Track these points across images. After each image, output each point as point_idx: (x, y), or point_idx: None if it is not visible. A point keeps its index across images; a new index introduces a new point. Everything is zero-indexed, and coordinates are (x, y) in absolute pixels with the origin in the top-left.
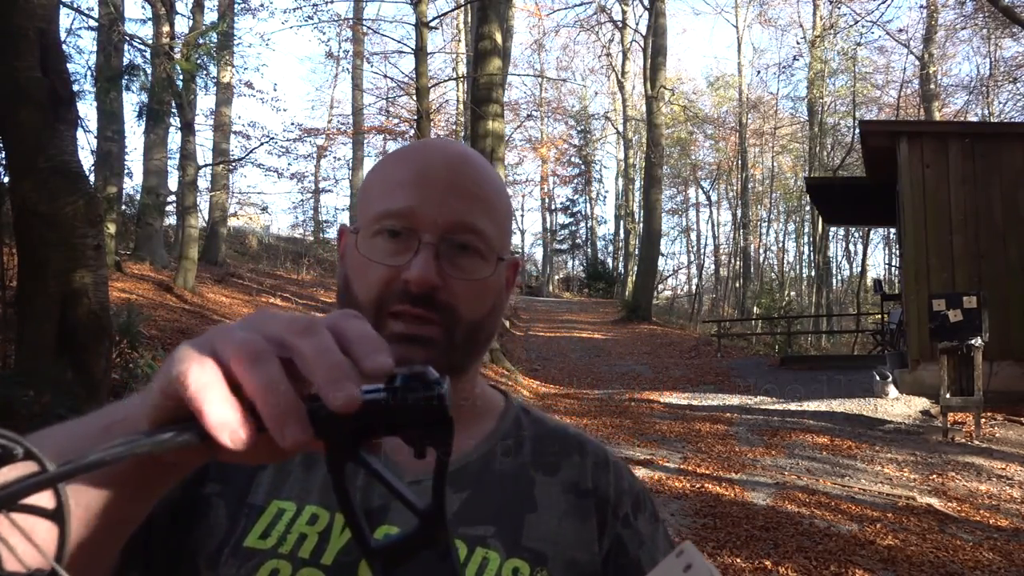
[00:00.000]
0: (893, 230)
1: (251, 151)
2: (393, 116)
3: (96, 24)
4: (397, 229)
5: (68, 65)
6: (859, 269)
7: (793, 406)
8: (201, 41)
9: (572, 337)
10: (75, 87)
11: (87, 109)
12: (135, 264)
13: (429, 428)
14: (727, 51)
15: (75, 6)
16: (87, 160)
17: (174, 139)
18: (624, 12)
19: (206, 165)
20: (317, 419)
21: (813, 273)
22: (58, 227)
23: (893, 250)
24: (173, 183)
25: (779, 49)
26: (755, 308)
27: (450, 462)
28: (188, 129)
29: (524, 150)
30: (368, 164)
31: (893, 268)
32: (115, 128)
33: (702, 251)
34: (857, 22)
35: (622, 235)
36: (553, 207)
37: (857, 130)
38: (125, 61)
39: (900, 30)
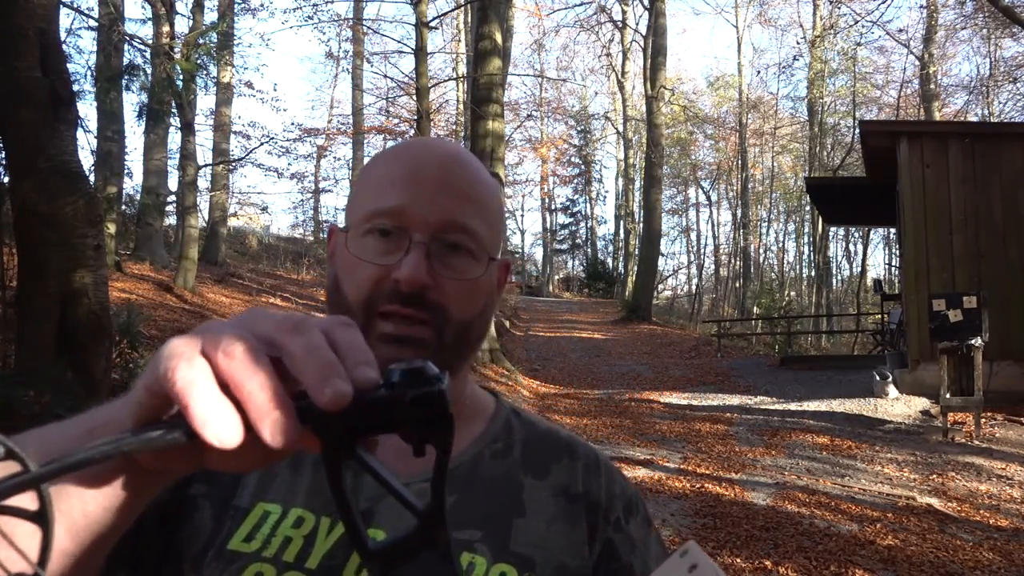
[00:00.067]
0: (893, 230)
1: (251, 151)
2: (393, 116)
3: (96, 24)
4: (387, 228)
5: (68, 65)
6: (859, 269)
7: (793, 406)
8: (201, 41)
9: (572, 337)
10: (75, 87)
11: (87, 109)
12: (135, 264)
13: (429, 425)
14: (727, 51)
15: (75, 6)
16: (87, 160)
17: (174, 139)
18: (624, 12)
19: (206, 165)
20: (313, 416)
21: (813, 273)
22: (58, 227)
23: (893, 250)
24: (173, 183)
25: (779, 49)
26: (755, 308)
27: (419, 473)
28: (188, 129)
29: (524, 150)
30: None
31: (893, 268)
32: (115, 128)
33: (702, 251)
34: (857, 22)
35: (622, 235)
36: (553, 207)
37: (857, 130)
38: (125, 61)
39: (900, 30)
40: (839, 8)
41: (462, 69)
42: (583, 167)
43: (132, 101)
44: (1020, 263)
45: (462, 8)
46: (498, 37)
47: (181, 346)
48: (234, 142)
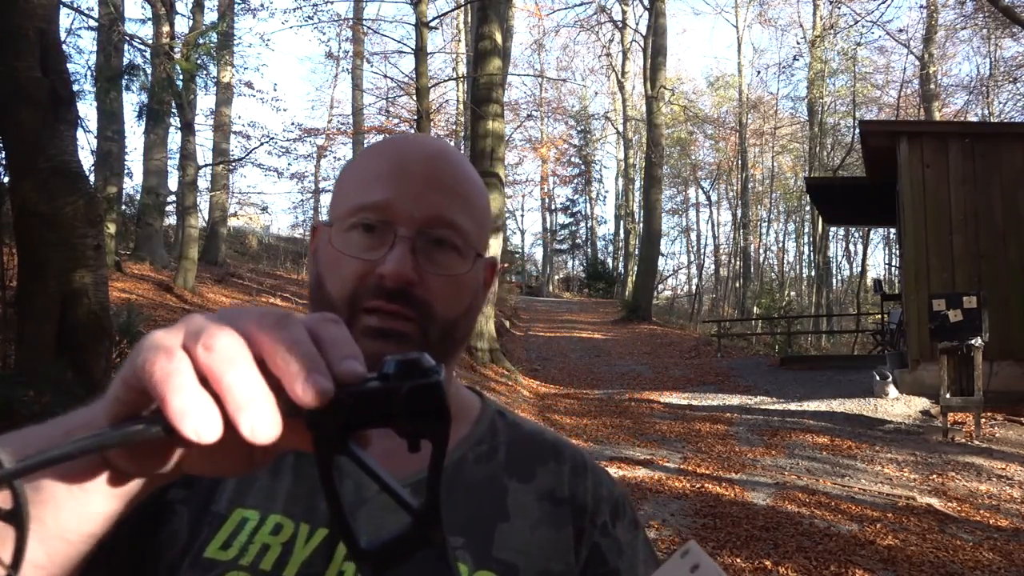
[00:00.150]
0: (893, 230)
1: (251, 151)
2: (393, 116)
3: (96, 24)
4: (372, 223)
5: (68, 65)
6: (859, 269)
7: (793, 406)
8: (201, 41)
9: (572, 337)
10: (75, 87)
11: (87, 109)
12: (135, 264)
13: (424, 419)
14: (727, 51)
15: (75, 6)
16: (87, 160)
17: (174, 139)
18: (624, 12)
19: (206, 165)
20: (304, 409)
21: (813, 273)
22: (58, 227)
23: (893, 250)
24: (173, 183)
25: (779, 49)
26: (755, 308)
27: (419, 470)
28: (188, 129)
29: (524, 150)
30: None
31: (893, 268)
32: (115, 128)
33: (702, 251)
34: (857, 22)
35: (622, 235)
36: (553, 207)
37: (857, 130)
38: (125, 61)
39: (900, 30)
40: (839, 8)
41: (462, 69)
42: (583, 167)
43: (132, 101)
44: (1020, 263)
45: (462, 8)
46: (498, 37)
47: (161, 339)
48: (234, 142)
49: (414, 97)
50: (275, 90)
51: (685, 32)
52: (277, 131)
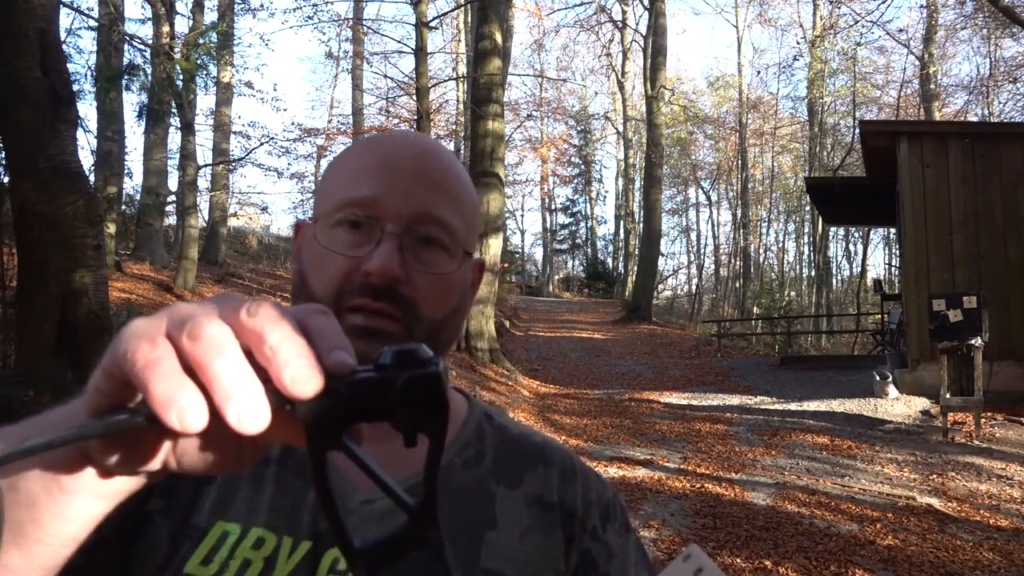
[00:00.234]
0: (893, 230)
1: (251, 151)
2: (393, 116)
3: (96, 24)
4: (359, 219)
5: (68, 65)
6: (859, 269)
7: (793, 406)
8: (201, 41)
9: (572, 337)
10: (75, 87)
11: (87, 109)
12: (135, 264)
13: (422, 412)
14: (727, 51)
15: (75, 6)
16: (87, 160)
17: (174, 139)
18: (624, 12)
19: (206, 165)
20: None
21: (813, 273)
22: (58, 227)
23: (893, 250)
24: (173, 183)
25: (779, 49)
26: (755, 308)
27: (404, 479)
28: (188, 129)
29: (524, 150)
30: None
31: (893, 268)
32: (115, 128)
33: (702, 251)
34: (857, 22)
35: (622, 235)
36: (553, 207)
37: (857, 130)
38: (125, 61)
39: (900, 30)
40: (839, 8)
41: (462, 69)
42: (583, 167)
43: (132, 101)
44: (1020, 263)
45: (462, 8)
46: (498, 37)
47: (144, 327)
48: (234, 142)
49: (414, 97)
50: (275, 90)
51: (685, 32)
52: (277, 131)
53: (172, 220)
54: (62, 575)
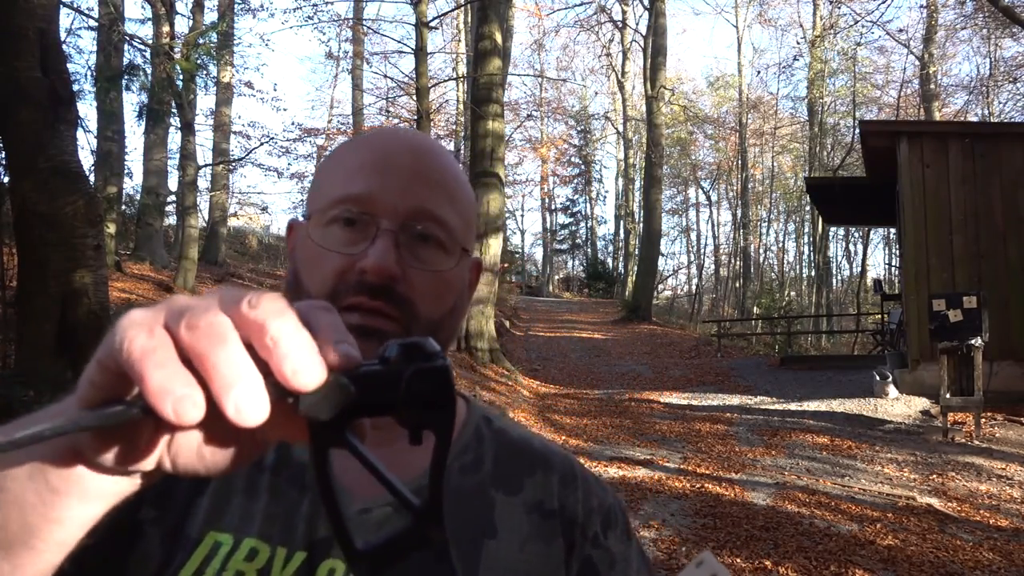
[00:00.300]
0: (893, 230)
1: (251, 151)
2: (393, 116)
3: (96, 24)
4: (353, 216)
5: (68, 65)
6: (859, 269)
7: (793, 406)
8: (201, 41)
9: (572, 337)
10: (75, 87)
11: (87, 109)
12: (135, 264)
13: (428, 407)
14: (727, 51)
15: (75, 6)
16: (87, 160)
17: (174, 139)
18: (624, 12)
19: (206, 165)
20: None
21: (813, 273)
22: (58, 227)
23: (893, 250)
24: (173, 183)
25: (779, 49)
26: (755, 308)
27: (409, 480)
28: (188, 129)
29: (524, 150)
30: None
31: (893, 268)
32: (115, 128)
33: (702, 251)
34: (857, 22)
35: (622, 235)
36: (553, 207)
37: (857, 130)
38: (125, 61)
39: (900, 30)
40: (839, 8)
41: (462, 69)
42: (583, 167)
43: (132, 101)
44: (1020, 263)
45: (462, 8)
46: (498, 37)
47: (140, 318)
48: (234, 142)
49: (414, 97)
50: (275, 90)
51: (685, 32)
52: (277, 131)
53: (172, 220)
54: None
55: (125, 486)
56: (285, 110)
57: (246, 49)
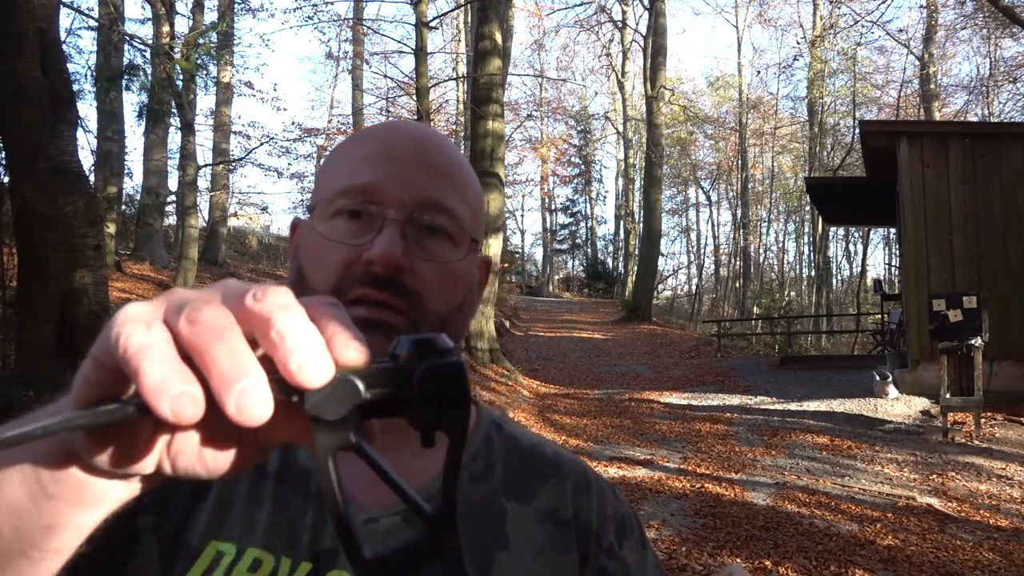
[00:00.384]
0: (893, 230)
1: (251, 151)
2: (393, 116)
3: (96, 24)
4: (358, 208)
5: (68, 65)
6: (859, 269)
7: (793, 406)
8: (201, 41)
9: (572, 337)
10: (75, 87)
11: (87, 109)
12: (135, 264)
13: (441, 406)
14: (727, 51)
15: (75, 6)
16: (87, 160)
17: (174, 139)
18: (624, 12)
19: (206, 165)
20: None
21: (813, 273)
22: (58, 227)
23: (893, 250)
24: (173, 183)
25: (779, 49)
26: (755, 308)
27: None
28: (188, 129)
29: (524, 150)
30: None
31: (893, 268)
32: (115, 128)
33: (702, 251)
34: (857, 22)
35: (622, 235)
36: (553, 207)
37: (857, 130)
38: (125, 61)
39: (900, 30)
40: (839, 8)
41: (462, 69)
42: (583, 167)
43: (132, 101)
44: (1020, 263)
45: (462, 8)
46: (498, 37)
47: (138, 311)
48: (234, 142)
49: (414, 97)
50: (275, 90)
51: (685, 32)
52: (277, 131)
53: (172, 220)
54: None
55: (124, 491)
56: (285, 110)
57: (246, 49)
